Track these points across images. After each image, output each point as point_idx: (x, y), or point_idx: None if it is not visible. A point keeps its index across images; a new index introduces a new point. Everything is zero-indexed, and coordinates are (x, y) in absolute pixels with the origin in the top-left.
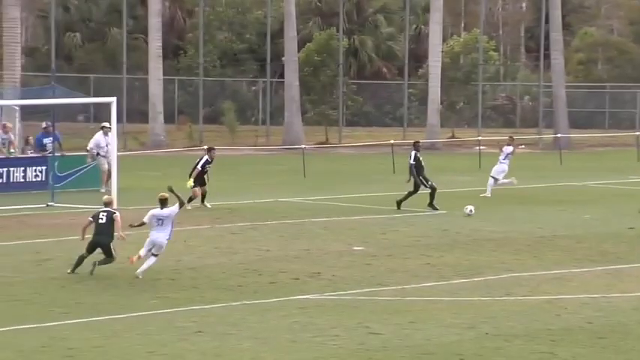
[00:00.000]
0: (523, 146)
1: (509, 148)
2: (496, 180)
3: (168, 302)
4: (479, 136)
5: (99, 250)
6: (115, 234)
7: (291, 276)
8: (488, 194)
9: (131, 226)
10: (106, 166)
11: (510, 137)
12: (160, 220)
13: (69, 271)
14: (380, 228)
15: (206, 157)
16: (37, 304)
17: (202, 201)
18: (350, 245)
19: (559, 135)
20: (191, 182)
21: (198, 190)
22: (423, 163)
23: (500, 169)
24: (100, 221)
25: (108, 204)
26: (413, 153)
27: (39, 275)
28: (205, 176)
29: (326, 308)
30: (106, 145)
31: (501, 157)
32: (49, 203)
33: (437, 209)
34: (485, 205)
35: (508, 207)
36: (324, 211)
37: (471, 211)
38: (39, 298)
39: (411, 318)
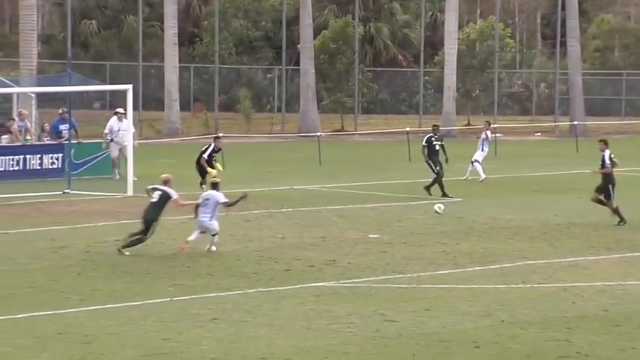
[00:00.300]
0: (539, 134)
1: (489, 133)
2: (477, 161)
3: (184, 289)
4: (495, 123)
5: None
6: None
7: (306, 263)
8: (483, 176)
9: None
10: (116, 152)
11: (487, 122)
12: (206, 201)
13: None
14: (395, 215)
15: (213, 146)
16: (53, 291)
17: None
18: (365, 233)
19: (575, 122)
20: (214, 171)
21: (215, 171)
22: (437, 148)
23: (479, 153)
24: (152, 199)
25: (166, 182)
26: (427, 136)
27: (55, 262)
28: (212, 165)
29: (341, 296)
30: (118, 130)
31: (480, 142)
32: (65, 190)
33: (449, 196)
34: (500, 193)
35: (524, 195)
36: (339, 199)
37: (439, 207)
38: (55, 285)
39: (426, 305)
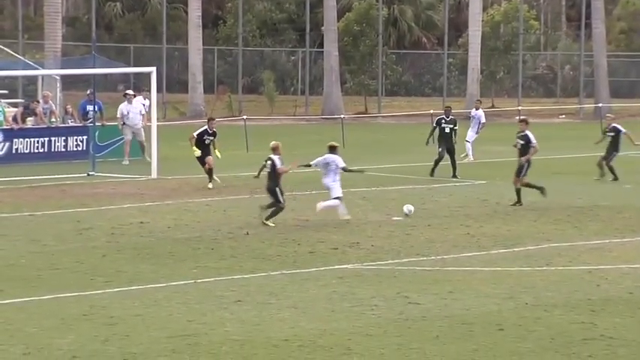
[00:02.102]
0: (563, 116)
1: (477, 112)
2: (468, 142)
3: (208, 272)
4: (519, 105)
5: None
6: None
7: (330, 246)
8: (471, 158)
9: (299, 166)
10: (130, 136)
11: (478, 101)
12: (326, 165)
13: (264, 219)
14: (419, 198)
15: (205, 127)
16: (78, 272)
17: (210, 177)
18: (389, 215)
19: (600, 104)
20: (197, 151)
21: (211, 158)
22: (446, 130)
23: (472, 133)
24: (267, 169)
25: (274, 149)
26: (437, 118)
27: (80, 244)
28: (210, 149)
29: (365, 278)
30: (128, 113)
31: (473, 123)
32: (90, 172)
33: (432, 177)
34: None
35: (548, 177)
36: (363, 181)
37: (409, 211)
38: (80, 266)
39: (450, 288)
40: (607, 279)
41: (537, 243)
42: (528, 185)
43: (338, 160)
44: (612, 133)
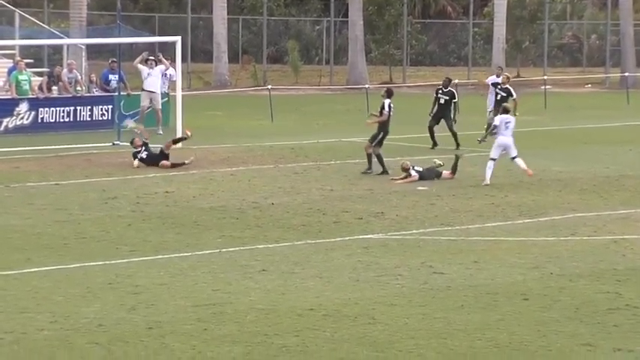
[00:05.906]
0: (589, 85)
1: (498, 79)
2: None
3: (233, 241)
4: (545, 75)
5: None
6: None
7: (354, 216)
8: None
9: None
10: (146, 102)
11: (499, 67)
12: (507, 124)
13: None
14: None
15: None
16: (103, 241)
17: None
18: (413, 185)
19: (626, 74)
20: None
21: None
22: (441, 101)
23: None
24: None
25: (407, 169)
26: (436, 89)
27: (106, 213)
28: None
29: (389, 248)
30: (148, 75)
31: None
32: (115, 142)
33: (433, 146)
34: (550, 145)
35: (574, 147)
36: (387, 151)
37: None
38: (106, 235)
39: (474, 258)
40: (633, 249)
41: (563, 213)
42: (370, 157)
43: (512, 120)
44: (504, 94)
